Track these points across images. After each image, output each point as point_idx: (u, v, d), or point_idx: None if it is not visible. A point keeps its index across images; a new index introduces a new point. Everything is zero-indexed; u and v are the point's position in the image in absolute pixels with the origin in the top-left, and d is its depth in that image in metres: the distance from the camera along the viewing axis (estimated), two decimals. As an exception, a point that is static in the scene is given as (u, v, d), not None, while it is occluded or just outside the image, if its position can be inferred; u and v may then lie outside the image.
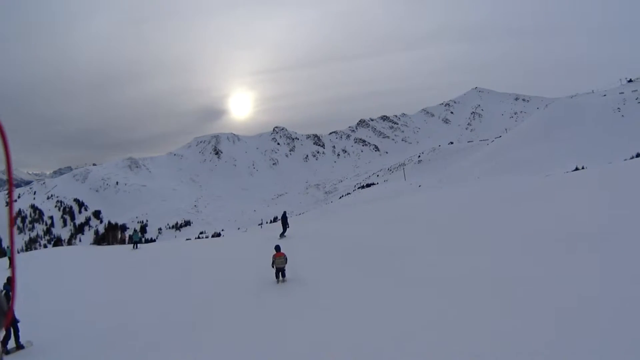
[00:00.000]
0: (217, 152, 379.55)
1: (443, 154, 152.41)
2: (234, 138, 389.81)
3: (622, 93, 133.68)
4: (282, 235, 36.94)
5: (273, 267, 20.09)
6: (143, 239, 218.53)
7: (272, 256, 20.43)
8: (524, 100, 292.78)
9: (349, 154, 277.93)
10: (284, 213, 41.71)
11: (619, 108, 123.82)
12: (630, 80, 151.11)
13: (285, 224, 37.87)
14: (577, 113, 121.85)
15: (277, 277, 20.01)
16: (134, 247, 44.94)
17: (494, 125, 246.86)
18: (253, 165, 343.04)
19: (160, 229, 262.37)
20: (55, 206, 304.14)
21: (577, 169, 65.72)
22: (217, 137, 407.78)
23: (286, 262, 20.15)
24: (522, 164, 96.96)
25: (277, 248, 20.59)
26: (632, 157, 41.65)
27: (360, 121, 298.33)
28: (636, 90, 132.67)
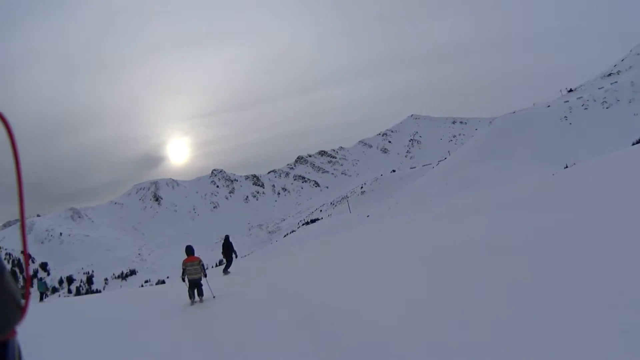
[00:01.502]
0: (157, 199, 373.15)
1: (386, 182, 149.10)
2: (173, 183, 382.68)
3: (567, 102, 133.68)
4: (226, 270, 26.76)
5: (184, 280, 15.31)
6: (49, 290, 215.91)
7: (182, 263, 15.65)
8: (461, 122, 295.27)
9: (289, 191, 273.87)
10: (227, 238, 27.90)
11: (565, 117, 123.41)
12: (570, 90, 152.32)
13: (229, 254, 26.74)
14: (523, 126, 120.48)
15: (190, 295, 14.97)
16: (40, 299, 38.84)
17: (434, 150, 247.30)
18: (194, 209, 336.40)
19: (106, 279, 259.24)
20: (5, 258, 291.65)
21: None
22: (156, 184, 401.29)
23: (204, 273, 15.31)
24: (473, 182, 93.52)
25: (189, 250, 15.63)
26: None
27: (298, 158, 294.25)
28: (581, 97, 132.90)
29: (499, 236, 13.87)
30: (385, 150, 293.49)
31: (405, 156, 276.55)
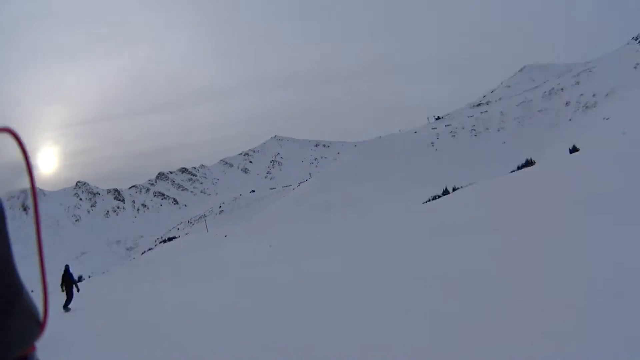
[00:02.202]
0: (25, 208, 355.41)
1: (245, 202, 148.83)
2: (40, 193, 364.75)
3: (435, 128, 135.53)
4: (66, 306, 22.10)
5: None
6: None
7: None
8: (324, 146, 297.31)
9: (148, 208, 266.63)
10: (67, 268, 23.78)
11: (432, 143, 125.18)
12: (438, 118, 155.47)
13: (70, 287, 22.65)
14: (389, 151, 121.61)
15: None
16: None
17: (295, 172, 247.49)
18: (57, 222, 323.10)
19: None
20: None
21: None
22: (25, 192, 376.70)
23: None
24: (335, 205, 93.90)
25: None
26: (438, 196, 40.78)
27: (159, 174, 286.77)
28: (450, 125, 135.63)
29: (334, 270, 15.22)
30: (245, 170, 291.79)
31: (266, 177, 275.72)
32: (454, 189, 45.46)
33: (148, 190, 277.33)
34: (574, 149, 36.31)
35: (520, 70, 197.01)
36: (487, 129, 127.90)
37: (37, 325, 1.28)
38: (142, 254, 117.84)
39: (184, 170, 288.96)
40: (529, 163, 44.73)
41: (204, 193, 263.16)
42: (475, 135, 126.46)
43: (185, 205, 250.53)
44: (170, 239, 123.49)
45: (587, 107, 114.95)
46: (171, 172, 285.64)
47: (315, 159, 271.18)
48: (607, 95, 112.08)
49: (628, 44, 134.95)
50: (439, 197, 41.64)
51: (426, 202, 41.50)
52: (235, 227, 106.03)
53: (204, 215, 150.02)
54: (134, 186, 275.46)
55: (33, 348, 1.24)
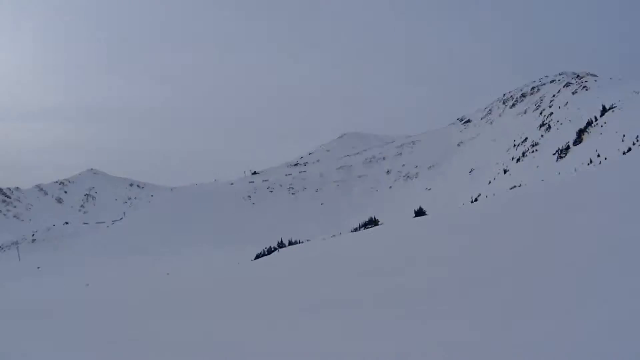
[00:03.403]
0: None
1: (59, 233, 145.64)
2: None
3: (252, 182, 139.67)
4: None
5: None
6: None
7: None
8: (138, 186, 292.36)
9: None
10: None
11: (249, 196, 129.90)
12: (255, 172, 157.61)
13: None
14: (205, 199, 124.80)
15: None
16: None
17: (109, 209, 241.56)
18: None
19: None
20: None
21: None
22: None
23: None
24: (148, 247, 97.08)
25: None
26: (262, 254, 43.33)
27: None
28: (267, 180, 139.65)
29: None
30: (60, 200, 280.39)
31: (80, 210, 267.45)
32: (280, 245, 46.04)
33: None
34: (419, 212, 36.51)
35: (340, 136, 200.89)
36: (305, 188, 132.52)
37: None
38: None
39: None
40: (372, 222, 44.88)
41: (17, 218, 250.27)
42: (293, 194, 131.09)
43: None
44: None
45: (408, 177, 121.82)
46: None
47: (130, 199, 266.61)
48: (429, 167, 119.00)
49: (453, 123, 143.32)
50: (267, 253, 41.31)
51: (256, 258, 41.69)
52: (49, 258, 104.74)
53: (17, 242, 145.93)
54: None
55: None
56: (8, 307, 28.70)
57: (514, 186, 48.10)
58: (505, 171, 78.91)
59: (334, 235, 45.95)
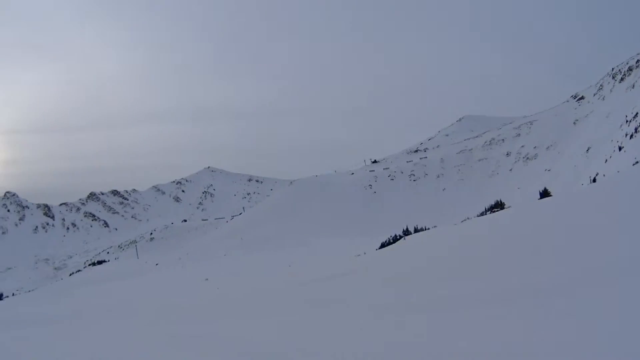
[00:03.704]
0: None
1: (177, 231, 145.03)
2: None
3: (373, 171, 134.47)
4: None
5: None
6: None
7: None
8: (257, 181, 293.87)
9: (78, 228, 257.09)
10: None
11: (370, 185, 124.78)
12: (375, 161, 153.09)
13: None
14: (325, 190, 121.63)
15: None
16: None
17: (226, 205, 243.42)
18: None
19: None
20: None
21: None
22: None
23: None
24: (270, 240, 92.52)
25: None
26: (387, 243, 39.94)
27: (90, 194, 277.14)
28: (388, 168, 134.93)
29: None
30: (177, 199, 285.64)
31: (197, 207, 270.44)
32: (405, 233, 43.31)
33: (79, 209, 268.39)
34: (544, 194, 34.42)
35: (459, 120, 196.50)
36: (427, 174, 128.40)
37: None
38: (70, 275, 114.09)
39: (115, 192, 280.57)
40: (498, 205, 42.94)
41: (135, 218, 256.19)
42: (414, 180, 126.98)
43: (116, 229, 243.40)
44: (99, 262, 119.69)
45: (528, 158, 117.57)
46: (102, 193, 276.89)
47: (248, 194, 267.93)
48: (547, 148, 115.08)
49: (567, 101, 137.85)
50: (393, 242, 38.83)
51: (381, 247, 39.06)
52: (167, 255, 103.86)
53: (135, 241, 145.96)
54: (64, 203, 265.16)
55: None
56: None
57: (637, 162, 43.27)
58: (620, 148, 72.90)
59: (467, 219, 42.11)
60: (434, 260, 19.23)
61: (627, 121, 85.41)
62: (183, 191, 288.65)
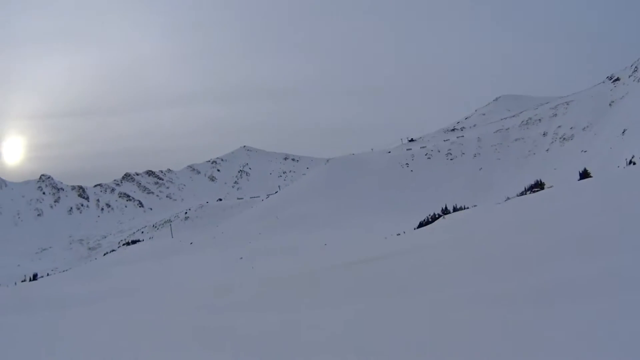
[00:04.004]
0: None
1: (212, 210, 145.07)
2: (2, 183, 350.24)
3: (410, 149, 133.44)
4: None
5: None
6: None
7: None
8: (293, 159, 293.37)
9: (113, 208, 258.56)
10: None
11: (407, 164, 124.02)
12: (412, 140, 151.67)
13: None
14: (362, 169, 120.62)
15: None
16: None
17: (262, 184, 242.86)
18: (18, 214, 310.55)
19: None
20: None
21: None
22: None
23: None
24: (304, 219, 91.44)
25: None
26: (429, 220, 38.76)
27: (125, 175, 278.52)
28: (424, 147, 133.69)
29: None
30: (212, 178, 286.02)
31: (233, 186, 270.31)
32: (444, 212, 41.75)
33: (113, 190, 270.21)
34: (584, 174, 33.51)
35: (495, 99, 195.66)
36: (463, 154, 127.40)
37: None
38: (105, 255, 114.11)
39: (150, 173, 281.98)
40: (538, 185, 41.60)
41: (170, 198, 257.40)
42: (451, 159, 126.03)
43: (151, 209, 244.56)
44: (134, 242, 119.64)
45: (564, 139, 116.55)
46: (137, 174, 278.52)
47: (284, 172, 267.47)
48: (584, 129, 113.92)
49: (603, 82, 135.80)
50: (431, 221, 37.73)
51: (419, 226, 38.54)
52: (201, 234, 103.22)
53: (170, 220, 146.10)
54: (99, 185, 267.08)
55: None
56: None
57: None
58: None
59: (508, 199, 39.53)
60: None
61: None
62: (218, 170, 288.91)
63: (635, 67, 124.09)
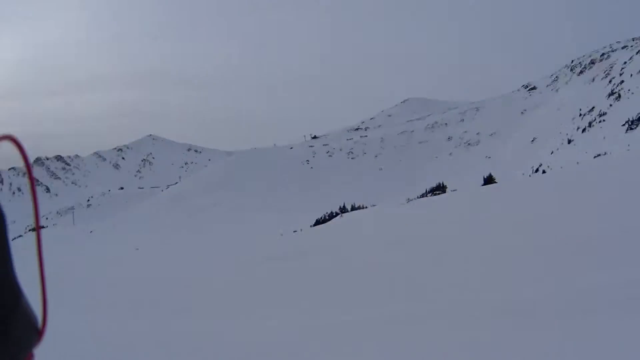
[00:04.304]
0: None
1: (114, 199, 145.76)
2: None
3: (312, 147, 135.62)
4: None
5: None
6: None
7: None
8: (196, 151, 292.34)
9: (23, 193, 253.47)
10: None
11: (308, 160, 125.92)
12: (315, 137, 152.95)
13: None
14: (264, 164, 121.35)
15: None
16: None
17: (164, 174, 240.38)
18: None
19: None
20: None
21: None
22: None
23: None
24: (206, 209, 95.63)
25: None
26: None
27: (37, 159, 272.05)
28: (327, 145, 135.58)
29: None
30: (117, 166, 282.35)
31: (135, 175, 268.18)
32: (342, 210, 44.91)
33: (25, 174, 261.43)
34: (489, 180, 35.11)
35: (403, 101, 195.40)
36: (365, 153, 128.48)
37: (35, 332, 1.09)
38: (13, 240, 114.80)
39: (59, 158, 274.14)
40: (440, 188, 43.56)
41: (75, 184, 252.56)
42: (352, 158, 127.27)
43: (57, 195, 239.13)
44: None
45: (469, 144, 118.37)
46: (47, 159, 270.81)
47: (186, 163, 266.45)
48: (491, 135, 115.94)
49: (518, 90, 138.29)
50: (328, 219, 40.11)
51: (316, 224, 40.62)
52: (102, 222, 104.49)
53: (72, 208, 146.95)
54: (13, 168, 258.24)
55: (31, 356, 1.06)
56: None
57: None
58: (569, 141, 76.59)
59: (409, 200, 41.74)
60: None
61: (580, 115, 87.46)
62: (123, 158, 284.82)
63: (556, 77, 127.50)
